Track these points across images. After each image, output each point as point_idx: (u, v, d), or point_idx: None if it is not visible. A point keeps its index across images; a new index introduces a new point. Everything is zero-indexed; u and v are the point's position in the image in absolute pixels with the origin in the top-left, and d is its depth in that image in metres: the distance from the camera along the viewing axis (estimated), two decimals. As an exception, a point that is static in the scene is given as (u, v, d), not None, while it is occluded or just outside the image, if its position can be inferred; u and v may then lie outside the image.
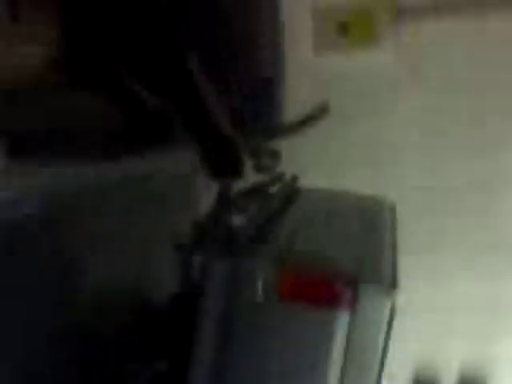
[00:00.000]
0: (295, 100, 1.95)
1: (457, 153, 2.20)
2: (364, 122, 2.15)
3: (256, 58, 1.79)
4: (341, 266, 1.22)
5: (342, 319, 1.17)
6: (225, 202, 1.41)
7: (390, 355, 1.60)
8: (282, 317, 1.19)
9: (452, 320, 2.49)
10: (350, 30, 2.13)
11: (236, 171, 1.49)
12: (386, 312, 1.19)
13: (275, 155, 1.64)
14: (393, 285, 1.22)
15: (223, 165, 1.47)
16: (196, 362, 1.20)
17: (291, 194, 1.60)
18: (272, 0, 1.88)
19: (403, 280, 1.30)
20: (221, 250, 1.20)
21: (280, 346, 1.21)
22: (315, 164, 2.08)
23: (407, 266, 1.39)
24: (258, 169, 1.57)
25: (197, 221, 1.33)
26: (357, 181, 2.12)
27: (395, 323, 1.39)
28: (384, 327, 1.20)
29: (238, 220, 1.35)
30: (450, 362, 2.73)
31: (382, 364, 1.23)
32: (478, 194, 2.20)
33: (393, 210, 1.67)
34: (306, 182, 1.74)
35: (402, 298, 1.34)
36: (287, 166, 1.74)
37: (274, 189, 1.58)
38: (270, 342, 1.21)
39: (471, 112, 2.17)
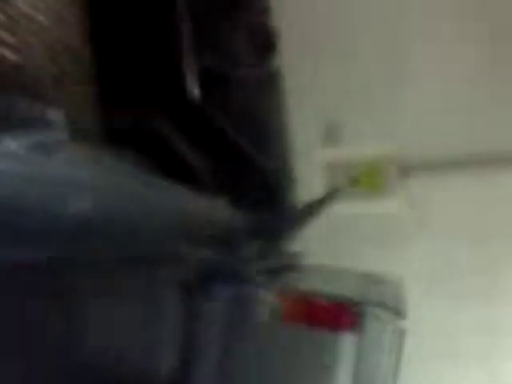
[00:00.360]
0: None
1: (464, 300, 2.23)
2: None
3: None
4: (344, 294, 1.24)
5: (346, 342, 1.17)
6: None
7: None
8: (284, 338, 1.20)
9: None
10: (360, 182, 2.31)
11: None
12: (392, 336, 1.18)
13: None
14: (398, 311, 1.22)
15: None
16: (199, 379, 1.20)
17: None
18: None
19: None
20: (225, 278, 1.24)
21: (282, 366, 1.21)
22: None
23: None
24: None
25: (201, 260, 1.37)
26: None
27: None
28: (391, 351, 1.18)
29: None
30: None
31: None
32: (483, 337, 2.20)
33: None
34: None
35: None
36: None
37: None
38: (272, 361, 1.21)
39: (477, 261, 2.23)
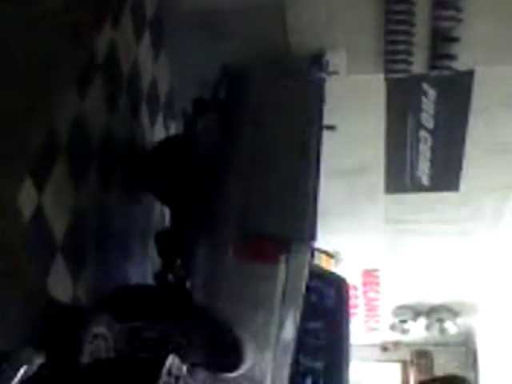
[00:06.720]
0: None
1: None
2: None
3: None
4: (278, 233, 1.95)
5: (281, 269, 1.86)
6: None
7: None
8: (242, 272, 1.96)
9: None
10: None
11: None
12: (308, 259, 1.88)
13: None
14: (312, 236, 1.93)
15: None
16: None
17: None
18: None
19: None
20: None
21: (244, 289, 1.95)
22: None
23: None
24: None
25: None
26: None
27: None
28: (306, 270, 1.88)
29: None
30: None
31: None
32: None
33: None
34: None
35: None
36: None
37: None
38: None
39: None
